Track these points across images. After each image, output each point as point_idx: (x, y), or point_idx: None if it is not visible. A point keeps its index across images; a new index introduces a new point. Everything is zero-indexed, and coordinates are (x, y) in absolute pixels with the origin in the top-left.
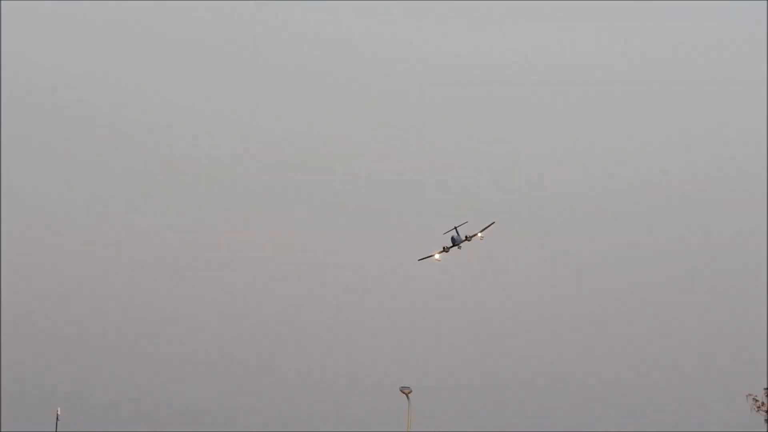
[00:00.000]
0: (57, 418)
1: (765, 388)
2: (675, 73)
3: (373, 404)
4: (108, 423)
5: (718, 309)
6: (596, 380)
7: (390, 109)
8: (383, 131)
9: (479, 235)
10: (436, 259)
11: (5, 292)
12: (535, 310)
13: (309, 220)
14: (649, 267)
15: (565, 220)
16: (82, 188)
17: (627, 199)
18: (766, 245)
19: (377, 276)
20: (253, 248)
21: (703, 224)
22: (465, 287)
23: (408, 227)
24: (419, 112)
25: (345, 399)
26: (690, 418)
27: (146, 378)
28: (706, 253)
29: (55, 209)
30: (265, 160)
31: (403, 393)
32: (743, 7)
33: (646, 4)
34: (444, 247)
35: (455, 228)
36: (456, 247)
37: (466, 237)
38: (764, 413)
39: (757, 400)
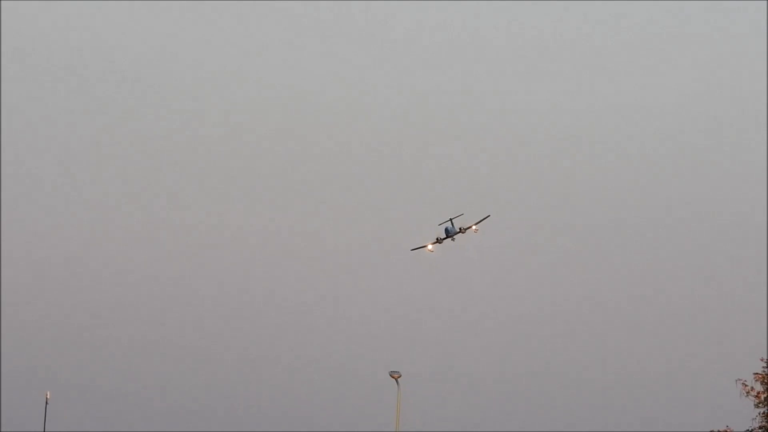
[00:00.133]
0: (46, 402)
1: (754, 373)
2: (675, 72)
3: (363, 391)
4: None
5: (720, 302)
6: (591, 371)
7: (389, 100)
8: (381, 119)
9: (474, 227)
10: (429, 250)
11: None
12: (529, 301)
13: (301, 208)
14: (648, 258)
15: (562, 216)
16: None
17: (624, 194)
18: (766, 239)
19: (369, 264)
20: (243, 235)
21: (702, 218)
22: (457, 277)
23: (403, 216)
24: (417, 102)
25: (335, 385)
26: (689, 413)
27: (130, 361)
28: (706, 247)
29: (51, 197)
30: (261, 147)
31: (393, 378)
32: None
33: (646, 5)
34: (437, 238)
35: (450, 220)
36: (450, 238)
37: (460, 229)
38: (753, 398)
39: (746, 385)
